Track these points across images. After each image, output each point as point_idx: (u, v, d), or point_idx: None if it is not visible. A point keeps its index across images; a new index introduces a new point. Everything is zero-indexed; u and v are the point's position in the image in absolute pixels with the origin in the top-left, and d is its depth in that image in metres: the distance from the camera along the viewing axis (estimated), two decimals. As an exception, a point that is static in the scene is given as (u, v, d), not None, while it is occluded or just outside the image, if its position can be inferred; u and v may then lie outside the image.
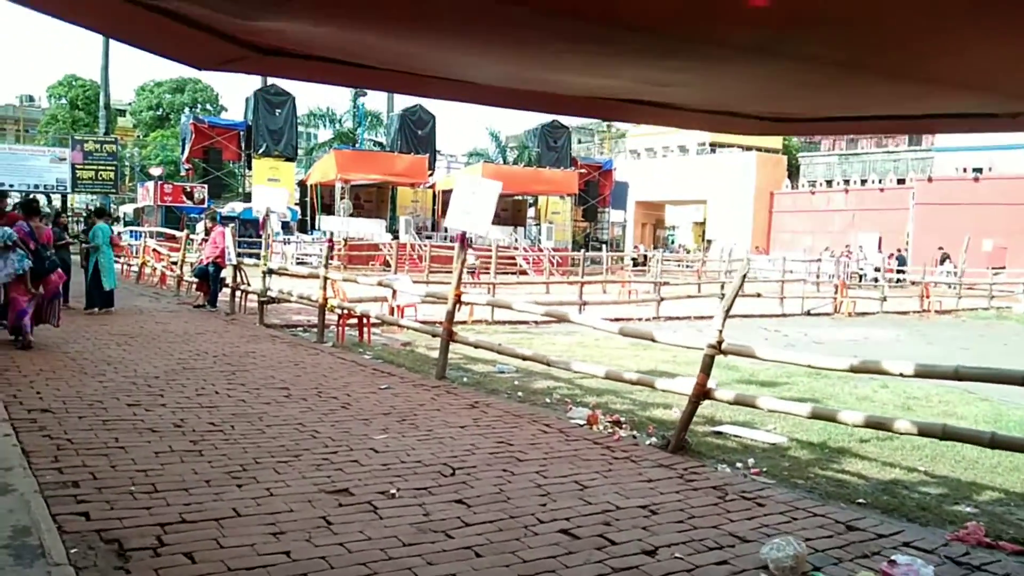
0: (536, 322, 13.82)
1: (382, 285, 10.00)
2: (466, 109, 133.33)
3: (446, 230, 34.87)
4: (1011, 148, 33.59)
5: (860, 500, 4.86)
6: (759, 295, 18.79)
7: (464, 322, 13.09)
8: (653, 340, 6.20)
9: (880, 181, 40.00)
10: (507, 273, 25.27)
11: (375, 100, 65.21)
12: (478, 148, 45.24)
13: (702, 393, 5.63)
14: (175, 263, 16.69)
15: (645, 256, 36.65)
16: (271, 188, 20.20)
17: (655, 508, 4.29)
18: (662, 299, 16.32)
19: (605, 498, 4.42)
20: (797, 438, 6.41)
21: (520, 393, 7.54)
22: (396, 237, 32.30)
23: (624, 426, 6.38)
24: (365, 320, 10.36)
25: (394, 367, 8.62)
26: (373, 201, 35.87)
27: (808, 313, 19.18)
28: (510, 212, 39.04)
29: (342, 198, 31.19)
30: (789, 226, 43.26)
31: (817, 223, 41.66)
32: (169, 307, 13.64)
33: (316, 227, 31.94)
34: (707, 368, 5.64)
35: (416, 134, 35.42)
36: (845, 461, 5.83)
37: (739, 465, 5.48)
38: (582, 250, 23.52)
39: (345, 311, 10.20)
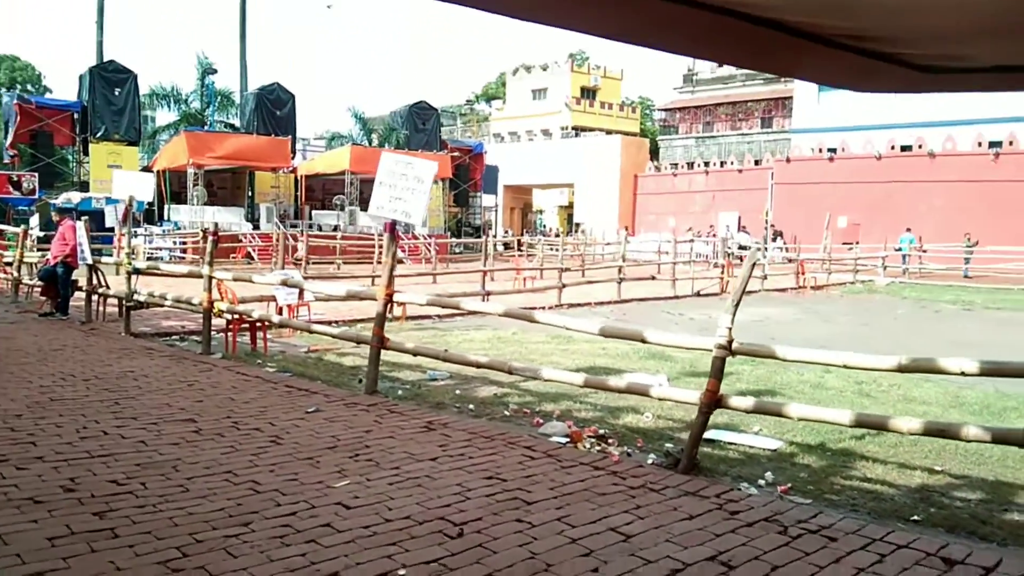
0: (439, 316, 12.78)
1: (287, 285, 8.62)
2: (325, 88, 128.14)
3: (311, 217, 32.91)
4: (859, 129, 35.66)
5: (915, 517, 4.27)
6: (653, 278, 18.60)
7: (393, 319, 11.88)
8: (644, 341, 5.38)
9: (739, 162, 41.48)
10: (378, 261, 23.94)
11: (226, 78, 61.01)
12: (332, 130, 43.09)
13: (714, 402, 4.87)
14: (8, 264, 14.29)
15: (518, 241, 36.19)
16: (134, 174, 17.86)
17: (727, 560, 3.46)
18: (564, 286, 15.68)
19: (659, 550, 3.55)
20: (793, 440, 5.82)
21: (471, 406, 6.54)
22: (257, 227, 30.03)
23: (611, 441, 5.54)
24: (260, 326, 8.97)
25: (308, 381, 7.36)
26: (228, 188, 33.22)
27: (698, 294, 19.20)
28: (378, 198, 37.48)
29: (195, 185, 28.56)
30: (653, 208, 44.18)
31: (680, 204, 42.77)
32: (8, 316, 11.50)
33: (166, 217, 29.11)
34: (719, 372, 4.88)
35: (274, 114, 33.05)
36: (858, 465, 5.28)
37: (762, 483, 4.78)
38: (486, 237, 22.54)
39: (236, 316, 8.76)
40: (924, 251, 28.87)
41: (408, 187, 6.81)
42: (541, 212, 57.43)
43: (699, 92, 53.22)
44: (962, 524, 4.18)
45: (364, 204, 34.81)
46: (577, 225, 47.47)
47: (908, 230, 29.61)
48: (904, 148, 33.11)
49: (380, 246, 20.88)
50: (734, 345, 4.89)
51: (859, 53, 2.38)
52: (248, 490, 4.13)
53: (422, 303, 6.91)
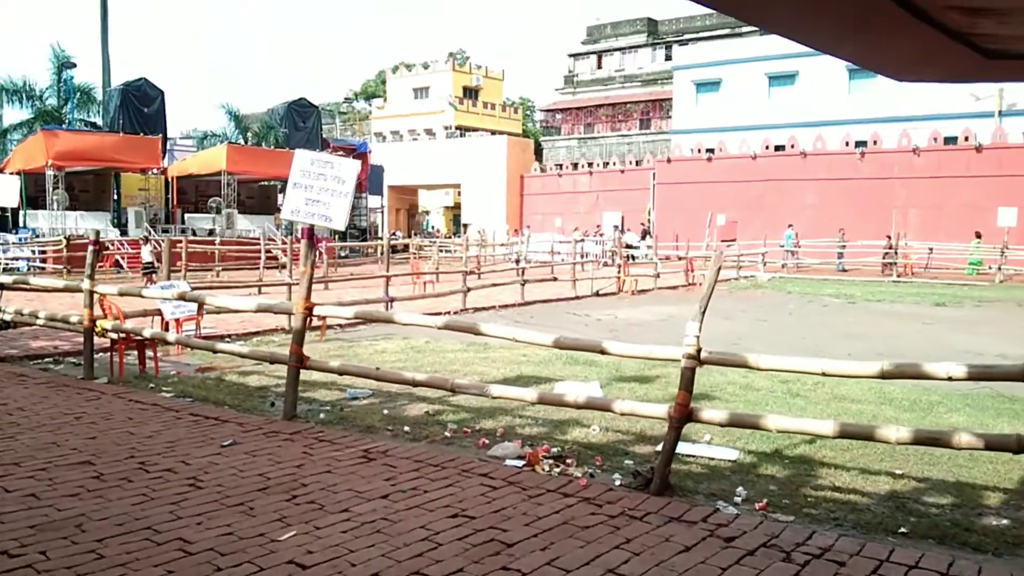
0: (341, 326, 12.07)
1: (185, 299, 7.72)
2: (195, 84, 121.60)
3: (184, 221, 30.93)
4: (735, 130, 37.04)
5: (902, 530, 4.11)
6: (555, 279, 18.45)
7: (318, 329, 11.08)
8: (603, 352, 5.02)
9: (620, 163, 42.25)
10: (254, 268, 22.67)
11: (86, 73, 56.38)
12: (202, 128, 40.75)
13: (685, 415, 4.56)
14: None
15: (407, 244, 35.41)
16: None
17: (748, 600, 3.13)
18: (469, 289, 15.23)
19: (669, 594, 3.18)
20: (748, 449, 5.63)
21: (406, 428, 5.99)
22: (124, 232, 27.90)
23: (569, 462, 5.15)
24: (151, 345, 8.05)
25: (215, 407, 6.59)
26: (92, 191, 30.76)
27: (597, 294, 19.21)
28: (257, 199, 35.71)
29: (54, 188, 26.18)
30: (540, 208, 44.38)
31: (566, 204, 43.16)
32: None
33: (22, 224, 26.56)
34: (689, 384, 4.59)
35: (142, 112, 30.79)
36: (821, 473, 5.13)
37: (738, 500, 4.52)
38: (387, 240, 21.61)
39: (124, 335, 7.81)
40: (798, 247, 30.28)
41: (327, 188, 6.18)
42: (427, 213, 56.68)
43: (580, 93, 53.99)
44: (949, 534, 4.05)
45: (242, 206, 33.13)
46: (465, 226, 47.08)
47: (790, 226, 31.01)
48: (778, 148, 34.63)
49: (267, 251, 19.73)
50: (703, 354, 4.60)
51: (936, 27, 2.07)
52: (177, 551, 3.47)
53: (348, 317, 6.29)
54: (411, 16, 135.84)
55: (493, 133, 54.48)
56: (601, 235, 35.16)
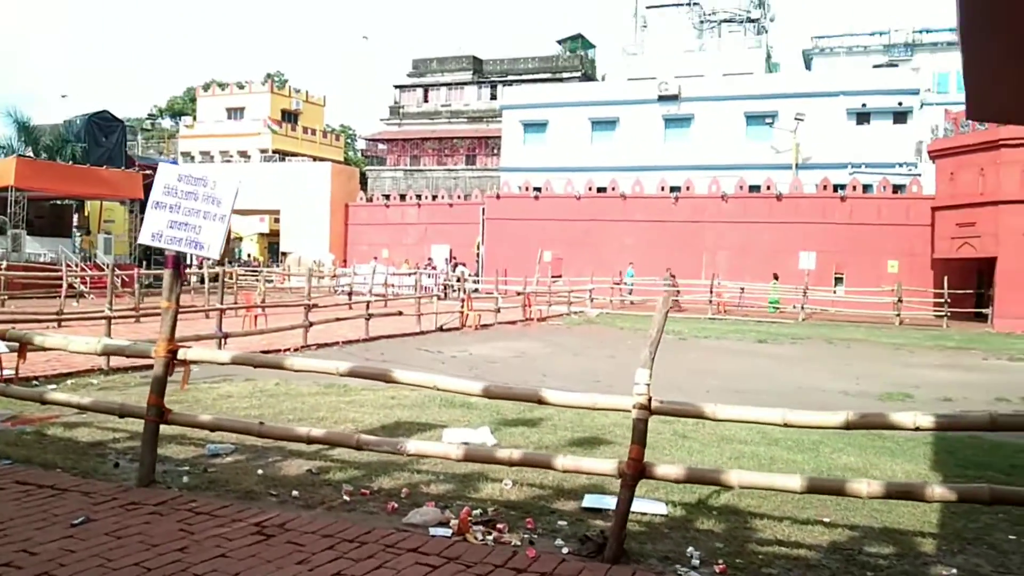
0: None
1: (3, 339, 6.28)
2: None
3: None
4: (561, 170, 38.17)
5: (866, 588, 3.93)
6: (400, 313, 17.71)
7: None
8: (541, 402, 4.50)
9: (448, 196, 42.19)
10: (51, 296, 20.06)
11: None
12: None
13: (639, 471, 4.16)
14: None
15: (215, 275, 32.96)
16: None
17: None
18: (311, 324, 14.15)
19: None
20: (671, 500, 5.33)
21: (294, 492, 5.12)
22: None
23: (500, 527, 4.56)
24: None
25: (42, 470, 5.35)
26: None
27: (441, 328, 18.68)
28: (48, 220, 31.89)
29: None
30: (366, 238, 43.26)
31: (393, 235, 42.39)
32: None
33: None
34: (642, 437, 4.20)
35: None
36: (757, 525, 4.91)
37: (695, 563, 4.16)
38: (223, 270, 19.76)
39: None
40: (618, 283, 31.48)
41: (198, 210, 5.25)
42: (240, 239, 53.52)
43: (406, 125, 53.60)
44: (915, 590, 3.92)
45: (31, 227, 29.36)
46: (284, 254, 44.88)
47: (631, 264, 32.38)
48: (600, 189, 36.04)
49: (65, 279, 17.43)
50: (654, 404, 4.24)
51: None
52: None
53: (224, 362, 5.31)
54: (224, 32, 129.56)
55: (314, 159, 52.72)
56: (434, 268, 34.73)
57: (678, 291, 30.78)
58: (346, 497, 5.08)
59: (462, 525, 4.42)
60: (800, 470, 6.46)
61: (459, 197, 41.79)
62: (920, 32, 42.57)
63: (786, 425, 4.10)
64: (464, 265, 36.64)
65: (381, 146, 54.28)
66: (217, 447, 6.20)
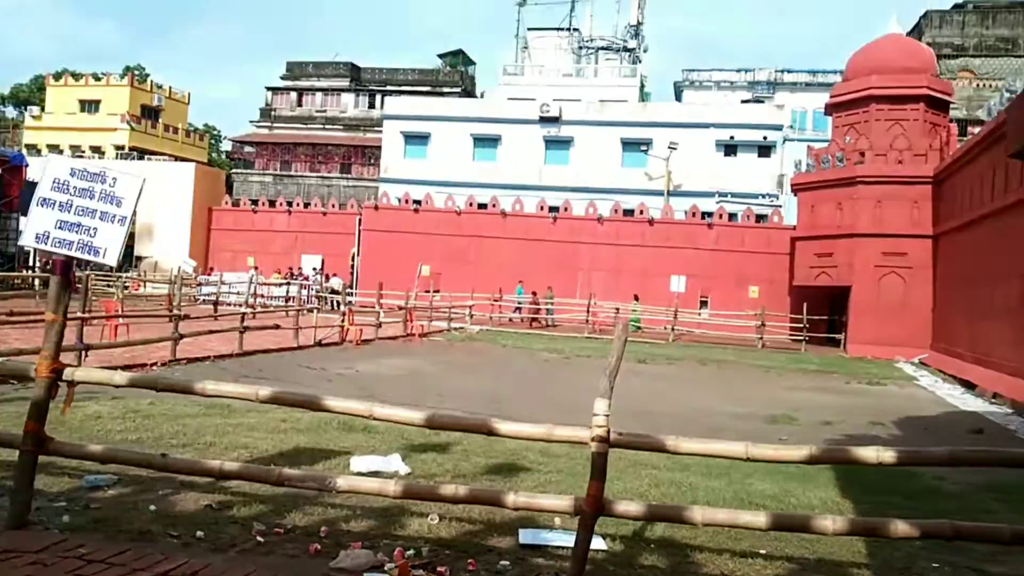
0: (12, 384, 9.49)
1: None
2: None
3: None
4: (443, 184, 37.80)
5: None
6: (277, 326, 16.76)
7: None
8: (491, 433, 4.16)
9: (322, 205, 40.85)
10: None
11: None
12: None
13: (598, 508, 3.91)
14: None
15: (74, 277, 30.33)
16: None
17: None
18: (181, 337, 13.08)
19: None
20: (608, 534, 5.11)
21: (199, 533, 4.51)
22: None
23: (441, 570, 4.17)
24: None
25: None
26: None
27: (320, 343, 17.85)
28: None
29: None
30: (230, 244, 41.11)
31: (260, 243, 40.51)
32: None
33: None
34: (602, 472, 3.95)
35: None
36: (699, 559, 4.77)
37: (654, 606, 3.95)
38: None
39: None
40: (497, 300, 31.43)
41: (93, 210, 4.57)
42: (90, 242, 49.53)
43: (278, 129, 51.64)
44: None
45: None
46: (138, 259, 41.93)
47: (521, 282, 32.37)
48: (481, 206, 35.97)
49: None
50: (613, 436, 4.00)
51: None
52: None
53: (120, 384, 4.62)
54: (81, 21, 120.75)
55: (176, 159, 49.79)
56: (306, 279, 33.41)
57: (539, 309, 31.08)
58: (259, 538, 4.52)
59: (402, 570, 4.00)
60: (721, 497, 6.44)
61: (333, 206, 40.52)
62: (781, 72, 45.48)
63: (749, 459, 3.97)
64: (337, 276, 35.53)
65: (249, 149, 51.97)
66: (96, 478, 5.44)
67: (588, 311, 28.58)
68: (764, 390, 15.27)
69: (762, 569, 4.68)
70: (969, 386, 17.78)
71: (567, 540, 4.83)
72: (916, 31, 41.98)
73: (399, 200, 37.47)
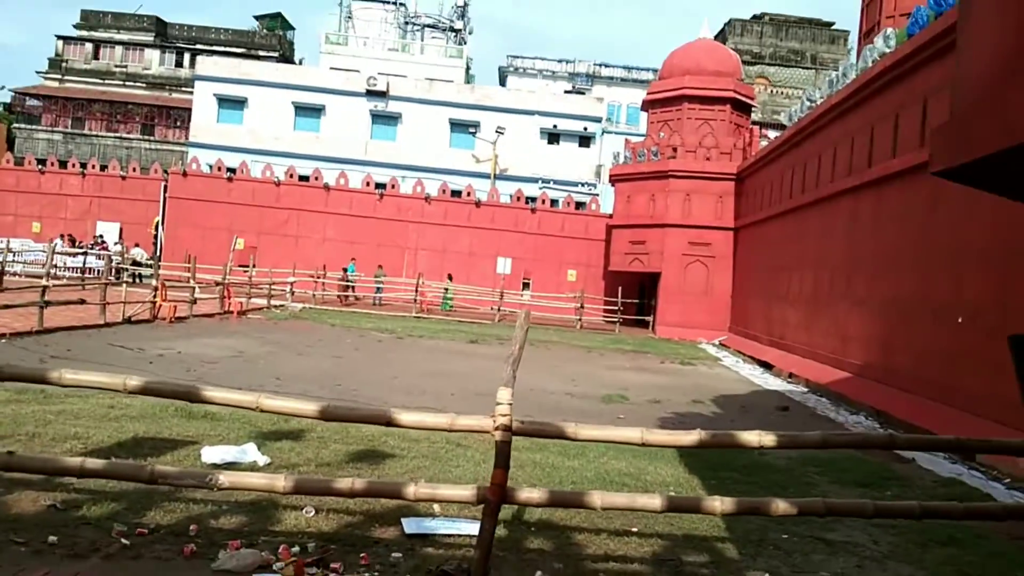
0: None
1: None
2: None
3: None
4: (261, 153, 35.88)
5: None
6: (83, 301, 15.18)
7: None
8: (390, 424, 3.99)
9: (122, 168, 37.48)
10: None
11: None
12: None
13: (502, 496, 3.90)
14: None
15: None
16: None
17: None
18: (-30, 311, 11.52)
19: None
20: (473, 517, 5.11)
21: (51, 538, 3.99)
22: None
23: (334, 567, 3.98)
24: None
25: None
26: None
27: (130, 320, 16.41)
28: None
29: None
30: (12, 207, 36.76)
31: (47, 207, 36.62)
32: None
33: None
34: (505, 460, 3.95)
35: None
36: (581, 540, 4.91)
37: (555, 589, 4.01)
38: None
39: None
40: (320, 277, 30.40)
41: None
42: None
43: (70, 83, 46.64)
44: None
45: None
46: None
47: (353, 259, 31.35)
48: (302, 178, 34.57)
49: None
50: (515, 425, 4.01)
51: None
52: None
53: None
54: None
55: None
56: (104, 248, 30.51)
57: (348, 285, 30.48)
58: (122, 540, 4.09)
59: (296, 569, 3.78)
60: (583, 477, 6.65)
61: (134, 170, 37.31)
62: (600, 65, 47.36)
63: (644, 444, 4.11)
64: (139, 246, 32.80)
65: (34, 102, 46.58)
66: None
67: (416, 291, 28.40)
68: (590, 370, 15.94)
69: (638, 547, 4.90)
70: (767, 366, 19.59)
71: (453, 528, 4.82)
72: (721, 37, 45.32)
73: (211, 167, 35.14)
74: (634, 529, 5.21)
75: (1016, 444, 4.03)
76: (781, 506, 4.00)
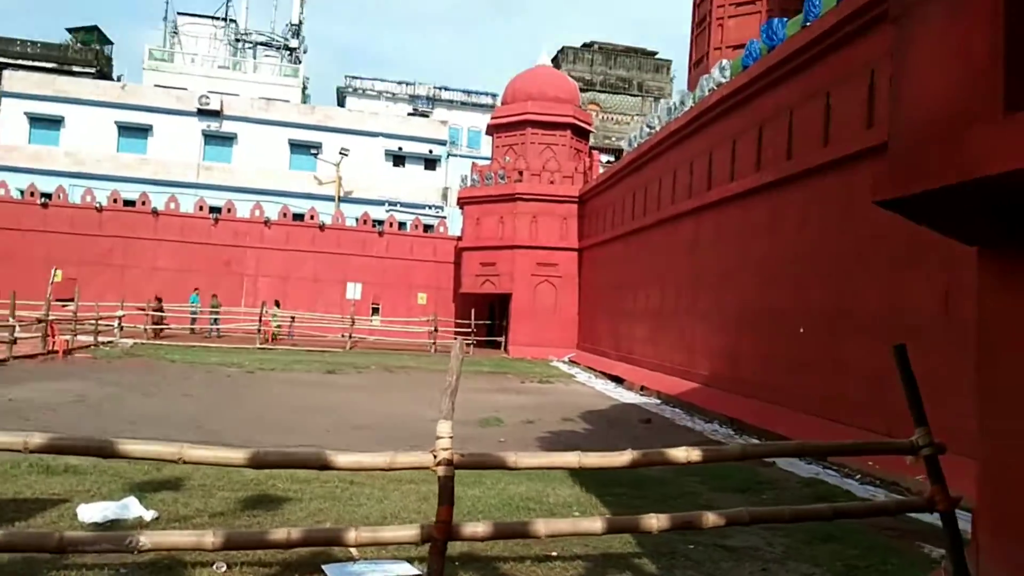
0: None
1: None
2: None
3: None
4: (81, 177, 33.11)
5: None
6: None
7: None
8: (326, 467, 3.78)
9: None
10: None
11: None
12: None
13: (447, 535, 3.82)
14: None
15: None
16: None
17: None
18: None
19: None
20: (409, 557, 4.99)
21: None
22: None
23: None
24: None
25: None
26: None
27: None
28: None
29: None
30: None
31: None
32: None
33: None
34: (450, 496, 3.86)
35: None
36: (506, 570, 4.89)
37: (500, 625, 3.96)
38: None
39: None
40: (142, 309, 28.28)
41: None
42: None
43: None
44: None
45: None
46: None
47: (196, 290, 29.27)
48: (128, 203, 32.22)
49: None
50: (457, 458, 3.95)
51: None
52: None
53: None
54: None
55: None
56: None
57: (163, 317, 28.74)
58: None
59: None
60: (487, 504, 6.63)
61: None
62: (440, 88, 47.74)
63: (581, 468, 4.17)
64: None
65: None
66: None
67: (260, 319, 27.16)
68: (460, 394, 15.88)
69: (563, 571, 4.95)
70: (618, 380, 20.41)
71: (378, 571, 4.66)
72: (555, 63, 47.06)
73: (22, 192, 32.00)
74: (554, 553, 5.26)
75: (903, 444, 4.44)
76: (711, 518, 4.18)
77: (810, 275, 12.01)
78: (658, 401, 16.54)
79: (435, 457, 3.88)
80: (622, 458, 4.18)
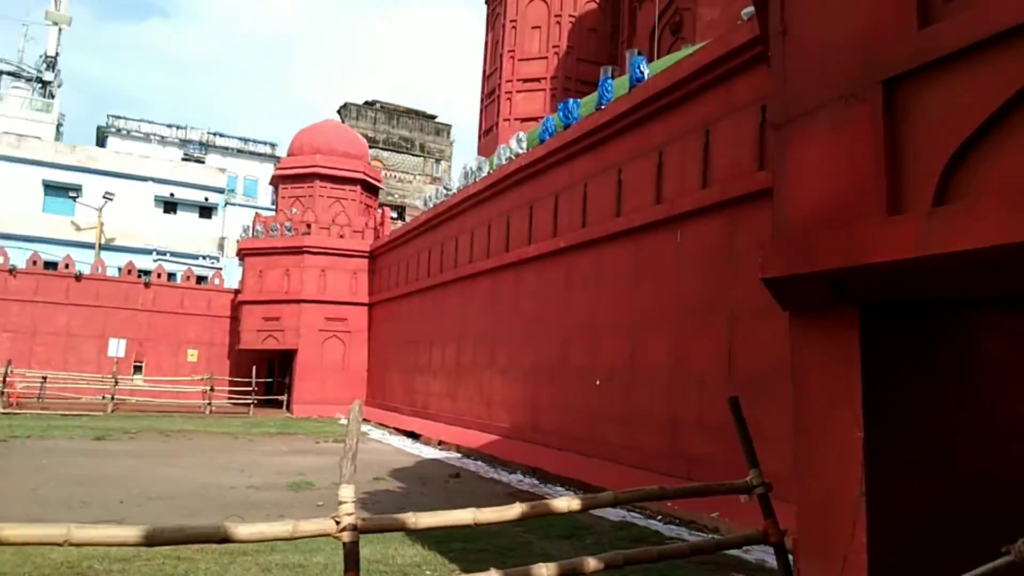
0: None
1: None
2: None
3: None
4: None
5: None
6: None
7: None
8: (226, 540, 3.60)
9: None
10: None
11: None
12: None
13: (353, 603, 3.81)
14: None
15: None
16: None
17: None
18: None
19: None
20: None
21: None
22: None
23: None
24: None
25: None
26: None
27: None
28: None
29: None
30: None
31: None
32: None
33: None
34: (356, 563, 3.86)
35: None
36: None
37: None
38: None
39: None
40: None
41: None
42: None
43: None
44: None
45: None
46: None
47: None
48: (48, 265, 27.40)
49: None
50: (359, 523, 3.96)
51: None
52: None
53: None
54: None
55: None
56: None
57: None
58: None
59: None
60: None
61: None
62: (214, 135, 45.58)
63: (476, 524, 4.33)
64: None
65: None
66: None
67: (3, 381, 23.89)
68: (252, 458, 15.12)
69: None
70: (414, 436, 20.43)
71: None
72: (340, 117, 46.96)
73: None
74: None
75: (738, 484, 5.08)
76: (592, 563, 4.51)
77: (605, 333, 13.04)
78: (459, 455, 16.81)
79: (338, 523, 3.86)
80: (512, 511, 4.39)
